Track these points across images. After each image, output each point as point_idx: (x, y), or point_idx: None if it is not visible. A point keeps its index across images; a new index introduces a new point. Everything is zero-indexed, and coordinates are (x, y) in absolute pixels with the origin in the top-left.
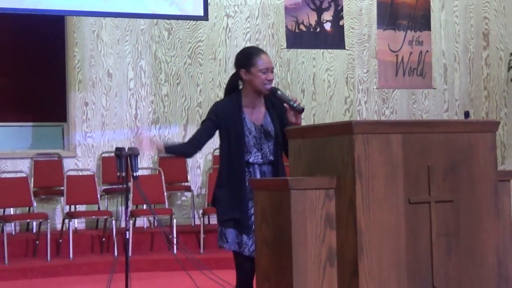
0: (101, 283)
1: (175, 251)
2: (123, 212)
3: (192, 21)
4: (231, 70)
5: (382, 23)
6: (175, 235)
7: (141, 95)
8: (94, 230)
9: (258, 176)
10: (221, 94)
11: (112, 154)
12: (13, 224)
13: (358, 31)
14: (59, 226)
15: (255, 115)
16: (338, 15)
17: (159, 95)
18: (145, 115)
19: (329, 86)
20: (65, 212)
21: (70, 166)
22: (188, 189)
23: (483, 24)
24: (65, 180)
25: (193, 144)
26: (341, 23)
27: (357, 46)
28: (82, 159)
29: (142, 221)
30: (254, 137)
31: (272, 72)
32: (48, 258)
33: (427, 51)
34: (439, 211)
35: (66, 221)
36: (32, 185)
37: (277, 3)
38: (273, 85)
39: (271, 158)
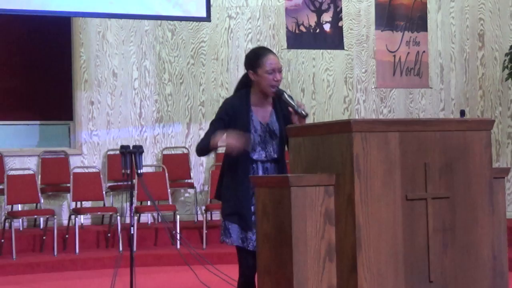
0: (106, 277)
1: (178, 246)
2: (128, 208)
3: (195, 22)
4: (233, 70)
5: (380, 24)
6: (178, 231)
7: (145, 94)
8: (99, 226)
9: (261, 173)
10: (223, 94)
11: (117, 152)
12: (20, 220)
13: (357, 32)
14: (65, 222)
15: (262, 114)
16: (337, 16)
17: (162, 95)
18: (149, 113)
19: (328, 86)
20: (71, 208)
21: (76, 163)
22: (191, 186)
23: (478, 25)
24: (71, 177)
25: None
26: (340, 24)
27: (355, 47)
28: (88, 156)
29: (146, 217)
30: (260, 135)
31: (279, 72)
32: (55, 253)
33: (424, 51)
34: (435, 207)
35: (73, 217)
36: (39, 182)
37: (277, 4)
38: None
39: (275, 156)
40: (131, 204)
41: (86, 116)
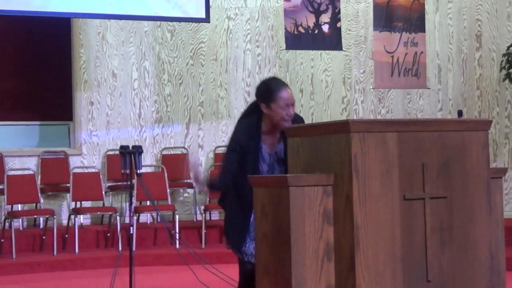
0: (106, 277)
1: (177, 246)
2: (127, 208)
3: (194, 23)
4: (232, 71)
5: (378, 25)
6: (177, 231)
7: (145, 95)
8: (99, 226)
9: None
10: (222, 94)
11: (117, 152)
12: (20, 219)
13: (355, 32)
14: (65, 222)
15: (271, 141)
16: (335, 17)
17: (162, 95)
18: (148, 114)
19: (326, 86)
20: (71, 208)
21: (76, 163)
22: (190, 186)
23: (476, 26)
24: (71, 177)
25: (231, 180)
26: (338, 25)
27: (354, 47)
28: (88, 157)
29: (145, 217)
30: (268, 165)
31: (293, 106)
32: (55, 252)
33: (421, 52)
34: (433, 207)
35: (72, 217)
36: (39, 182)
37: (276, 5)
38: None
39: None
40: (131, 204)
41: (86, 117)
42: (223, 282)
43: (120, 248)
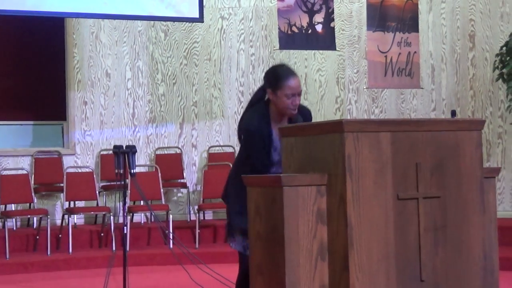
0: (99, 276)
1: (171, 245)
2: (121, 208)
3: (187, 22)
4: (226, 71)
5: (371, 25)
6: (171, 230)
7: (139, 95)
8: (93, 226)
9: None
10: (216, 94)
11: (111, 152)
12: (14, 219)
13: (349, 32)
14: (59, 222)
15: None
16: (329, 17)
17: (155, 95)
18: (142, 114)
19: (320, 86)
20: (64, 208)
21: (69, 163)
22: (184, 185)
23: (469, 26)
24: (64, 177)
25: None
26: (332, 25)
27: (347, 47)
28: (81, 156)
29: (139, 217)
30: (279, 153)
31: (299, 95)
32: (48, 252)
33: (415, 52)
34: (426, 207)
35: (66, 216)
36: (32, 182)
37: (270, 5)
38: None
39: None
40: (124, 203)
41: (80, 116)
42: (217, 282)
43: (113, 248)
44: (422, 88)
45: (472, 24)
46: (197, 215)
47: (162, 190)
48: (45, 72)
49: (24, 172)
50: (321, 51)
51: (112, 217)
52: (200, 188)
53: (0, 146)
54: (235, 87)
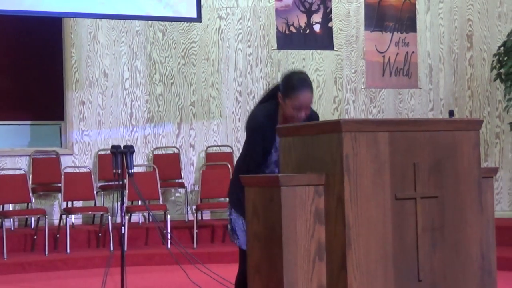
0: (97, 276)
1: (169, 245)
2: (119, 208)
3: (185, 22)
4: (224, 71)
5: (369, 25)
6: (169, 230)
7: (136, 95)
8: (90, 226)
9: None
10: (213, 94)
11: (108, 152)
12: (12, 219)
13: (346, 32)
14: (56, 222)
15: None
16: (327, 17)
17: (153, 95)
18: (140, 114)
19: (318, 86)
20: (62, 208)
21: (67, 163)
22: (182, 185)
23: (467, 26)
24: (62, 177)
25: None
26: (330, 24)
27: (345, 47)
28: (79, 156)
29: (137, 217)
30: (278, 155)
31: (306, 108)
32: (46, 252)
33: (413, 52)
34: (424, 207)
35: (64, 216)
36: (30, 182)
37: (268, 5)
38: (264, 85)
39: None
40: (122, 203)
41: (77, 116)
42: (214, 282)
43: (111, 248)
44: (420, 88)
45: (470, 24)
46: (195, 215)
47: (160, 190)
48: (43, 72)
49: (22, 172)
50: (319, 51)
51: (110, 217)
52: (198, 188)
53: None
54: (233, 87)
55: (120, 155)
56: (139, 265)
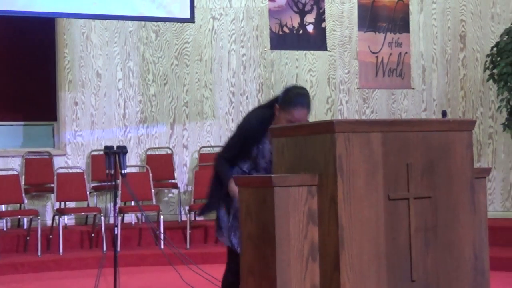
0: (90, 277)
1: (162, 246)
2: (112, 208)
3: (178, 23)
4: (217, 71)
5: (362, 25)
6: (162, 231)
7: (129, 95)
8: (83, 226)
9: None
10: (207, 94)
11: (101, 152)
12: (4, 220)
13: (340, 33)
14: (49, 222)
15: None
16: (320, 18)
17: (146, 95)
18: (133, 114)
19: (311, 86)
20: (55, 208)
21: (60, 164)
22: (175, 186)
23: (460, 26)
24: (55, 177)
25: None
26: (323, 25)
27: (338, 48)
28: (72, 157)
29: (130, 217)
30: (266, 162)
31: None
32: (39, 253)
33: (406, 52)
34: (417, 207)
35: (56, 217)
36: (23, 183)
37: (261, 6)
38: (257, 86)
39: None
40: (115, 204)
41: (70, 117)
42: (207, 282)
43: (104, 249)
44: (413, 88)
45: (463, 25)
46: (188, 215)
47: (153, 190)
48: (36, 72)
49: (15, 172)
50: (312, 52)
51: (102, 218)
52: (191, 188)
53: None
54: (226, 87)
55: (113, 155)
56: (132, 266)
